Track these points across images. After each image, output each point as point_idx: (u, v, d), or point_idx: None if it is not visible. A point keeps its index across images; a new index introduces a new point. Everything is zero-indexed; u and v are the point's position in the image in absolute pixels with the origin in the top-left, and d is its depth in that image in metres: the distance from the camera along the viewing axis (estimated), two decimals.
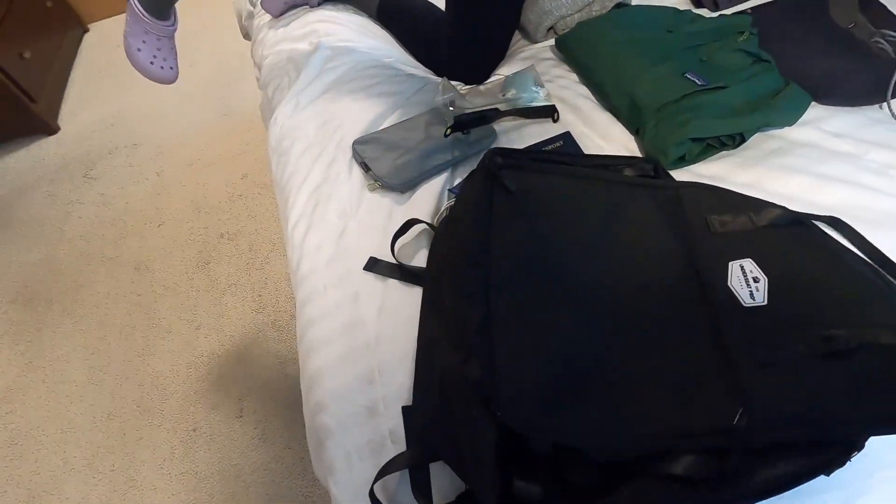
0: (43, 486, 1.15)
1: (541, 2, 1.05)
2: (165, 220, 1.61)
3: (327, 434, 0.60)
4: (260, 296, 1.39)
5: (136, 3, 0.95)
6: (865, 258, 0.58)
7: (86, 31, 2.35)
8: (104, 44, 2.29)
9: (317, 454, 0.62)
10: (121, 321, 1.40)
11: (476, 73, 0.99)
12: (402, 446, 0.56)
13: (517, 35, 1.10)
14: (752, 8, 0.94)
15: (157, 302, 1.42)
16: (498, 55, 1.04)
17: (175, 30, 1.02)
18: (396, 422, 0.58)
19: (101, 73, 2.16)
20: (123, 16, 0.98)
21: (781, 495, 0.43)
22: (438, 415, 0.51)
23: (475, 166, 0.67)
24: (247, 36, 1.33)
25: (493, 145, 0.83)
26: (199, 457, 1.15)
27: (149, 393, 1.26)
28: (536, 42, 1.06)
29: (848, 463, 0.43)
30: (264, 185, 1.65)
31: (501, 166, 0.60)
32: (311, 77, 0.99)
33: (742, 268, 0.55)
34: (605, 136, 0.81)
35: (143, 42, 0.98)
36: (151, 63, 1.00)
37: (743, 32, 0.83)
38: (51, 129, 1.91)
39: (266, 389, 1.22)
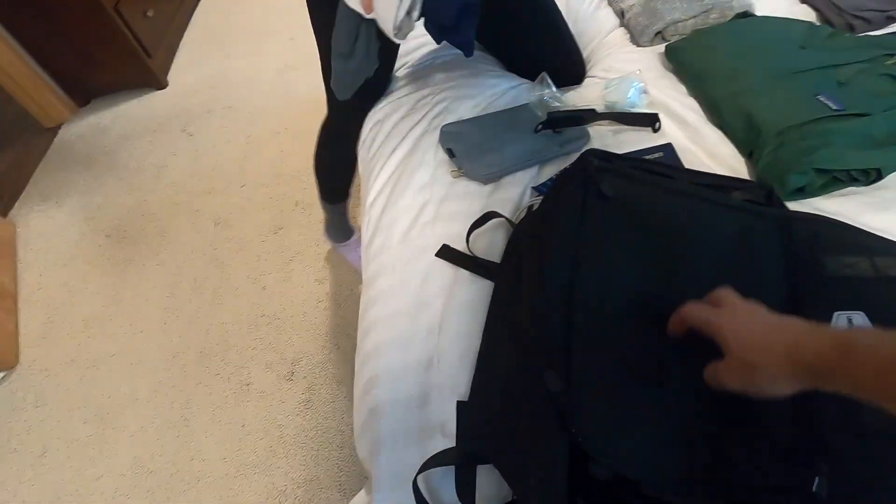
0: (110, 409, 1.25)
1: (652, 3, 0.98)
2: (247, 182, 1.69)
3: (377, 412, 0.60)
4: (324, 267, 1.43)
5: (331, 242, 1.40)
6: None
7: None
8: (215, 10, 2.44)
9: (363, 431, 0.62)
10: (196, 271, 1.48)
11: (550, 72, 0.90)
12: (451, 441, 0.54)
13: (622, 36, 1.04)
14: None
15: (229, 258, 1.50)
16: (564, 58, 0.97)
17: (360, 237, 1.26)
18: (449, 415, 0.56)
19: (210, 37, 2.30)
20: None
21: None
22: (498, 418, 0.49)
23: (562, 167, 0.64)
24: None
25: (585, 148, 0.79)
26: (247, 410, 1.20)
27: (212, 342, 1.33)
28: (641, 45, 0.99)
29: None
30: None
31: (598, 169, 0.56)
32: (410, 61, 0.99)
33: (850, 320, 0.49)
34: (711, 154, 0.75)
35: (349, 253, 1.38)
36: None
37: (893, 55, 0.73)
38: (161, 83, 2.06)
39: (318, 359, 1.25)
